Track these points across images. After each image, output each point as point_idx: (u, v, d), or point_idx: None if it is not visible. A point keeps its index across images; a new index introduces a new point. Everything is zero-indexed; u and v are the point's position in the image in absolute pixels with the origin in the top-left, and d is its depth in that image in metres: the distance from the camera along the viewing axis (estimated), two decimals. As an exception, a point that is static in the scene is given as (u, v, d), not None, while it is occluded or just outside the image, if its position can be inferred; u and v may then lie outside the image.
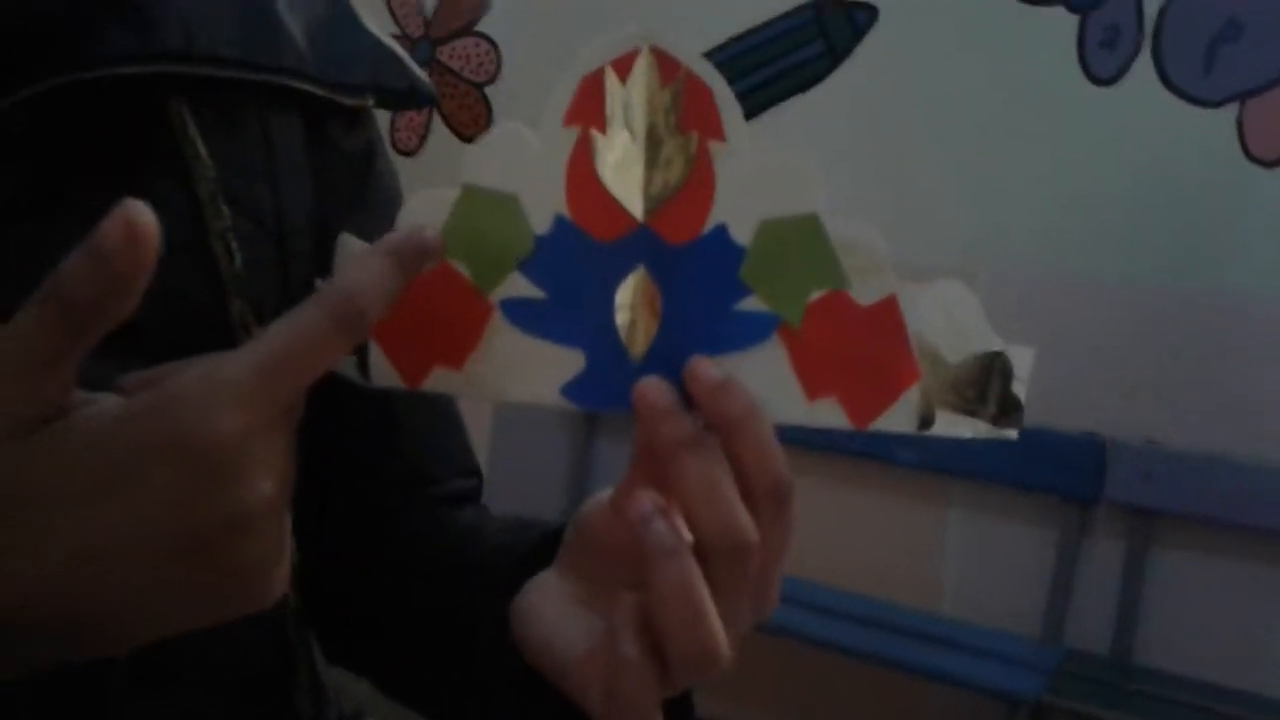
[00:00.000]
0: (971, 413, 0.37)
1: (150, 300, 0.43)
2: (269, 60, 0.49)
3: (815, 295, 0.36)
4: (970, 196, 2.13)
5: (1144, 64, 1.93)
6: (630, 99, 0.36)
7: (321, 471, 0.51)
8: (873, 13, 2.16)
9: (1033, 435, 1.56)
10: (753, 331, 0.36)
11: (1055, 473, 2.04)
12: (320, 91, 0.51)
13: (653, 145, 0.36)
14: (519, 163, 0.37)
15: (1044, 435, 2.03)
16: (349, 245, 0.40)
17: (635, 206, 0.36)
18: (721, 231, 0.36)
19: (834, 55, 2.20)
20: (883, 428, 0.37)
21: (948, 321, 0.38)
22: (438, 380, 0.37)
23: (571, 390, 0.36)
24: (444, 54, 2.73)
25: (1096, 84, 1.97)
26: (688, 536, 0.34)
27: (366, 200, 0.55)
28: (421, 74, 0.58)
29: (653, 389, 0.34)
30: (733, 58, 2.30)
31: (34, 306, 0.29)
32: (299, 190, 0.51)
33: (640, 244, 0.36)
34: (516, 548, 0.47)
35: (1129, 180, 1.99)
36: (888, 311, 0.36)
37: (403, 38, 2.77)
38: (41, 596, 0.31)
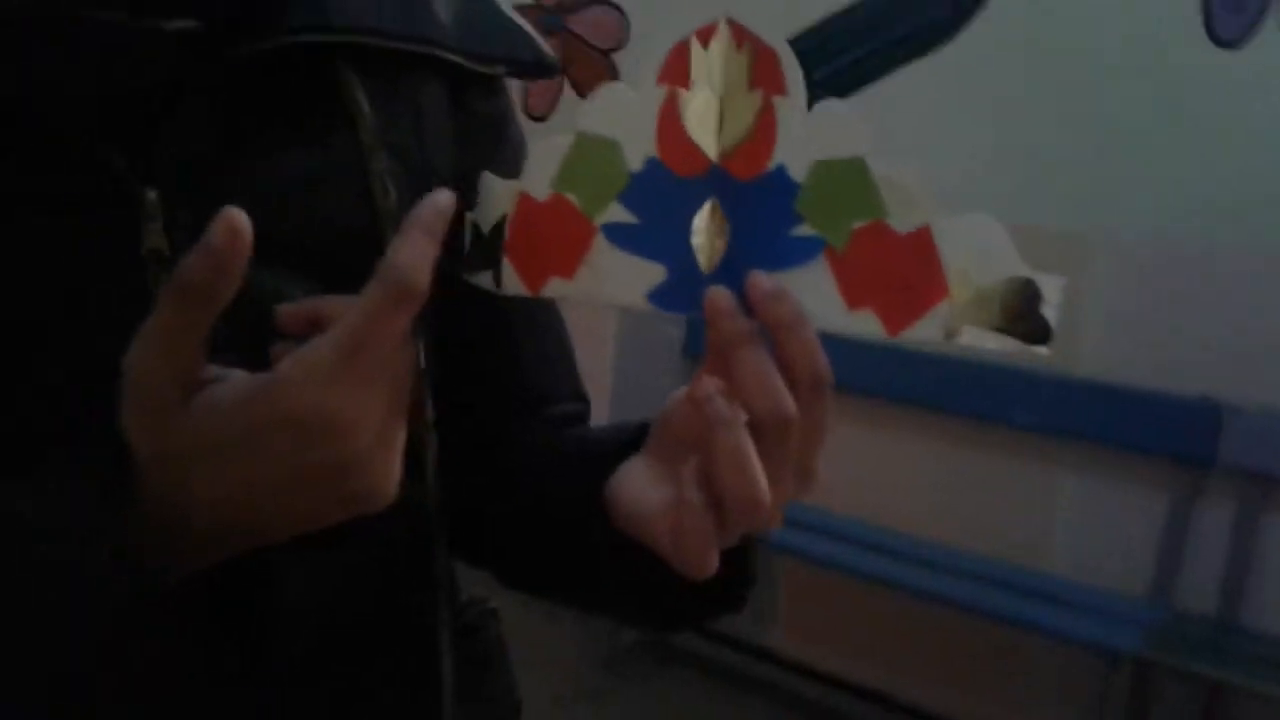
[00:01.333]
0: (1001, 330, 0.44)
1: (319, 227, 0.53)
2: (421, 34, 0.59)
3: (859, 224, 0.43)
4: (1091, 159, 2.13)
5: (1271, 28, 1.91)
6: (711, 61, 0.44)
7: (460, 395, 0.62)
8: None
9: (1148, 398, 1.61)
10: (803, 253, 0.44)
11: (1170, 436, 2.05)
12: (462, 62, 0.61)
13: (728, 98, 0.44)
14: (620, 114, 0.46)
15: (1159, 398, 2.05)
16: (490, 183, 0.50)
17: (711, 149, 0.44)
18: (781, 170, 0.44)
19: (959, 17, 2.22)
20: (913, 338, 0.44)
21: (977, 250, 0.44)
22: (553, 287, 0.46)
23: (655, 296, 0.45)
24: (573, 22, 2.84)
25: (1221, 46, 1.95)
26: (743, 416, 0.43)
27: (500, 156, 0.65)
28: (547, 48, 0.67)
29: (719, 295, 0.42)
30: (858, 21, 2.34)
31: (164, 295, 0.39)
32: (442, 144, 0.61)
33: (714, 180, 0.44)
34: (613, 440, 0.56)
35: (1251, 146, 1.97)
36: (922, 239, 0.43)
37: (535, 6, 2.88)
38: (202, 516, 0.42)
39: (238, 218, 0.39)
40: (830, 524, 2.37)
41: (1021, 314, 0.44)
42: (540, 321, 0.68)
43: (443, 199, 0.42)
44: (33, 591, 0.42)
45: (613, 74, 2.78)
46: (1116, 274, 2.12)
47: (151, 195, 0.48)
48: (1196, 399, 2.03)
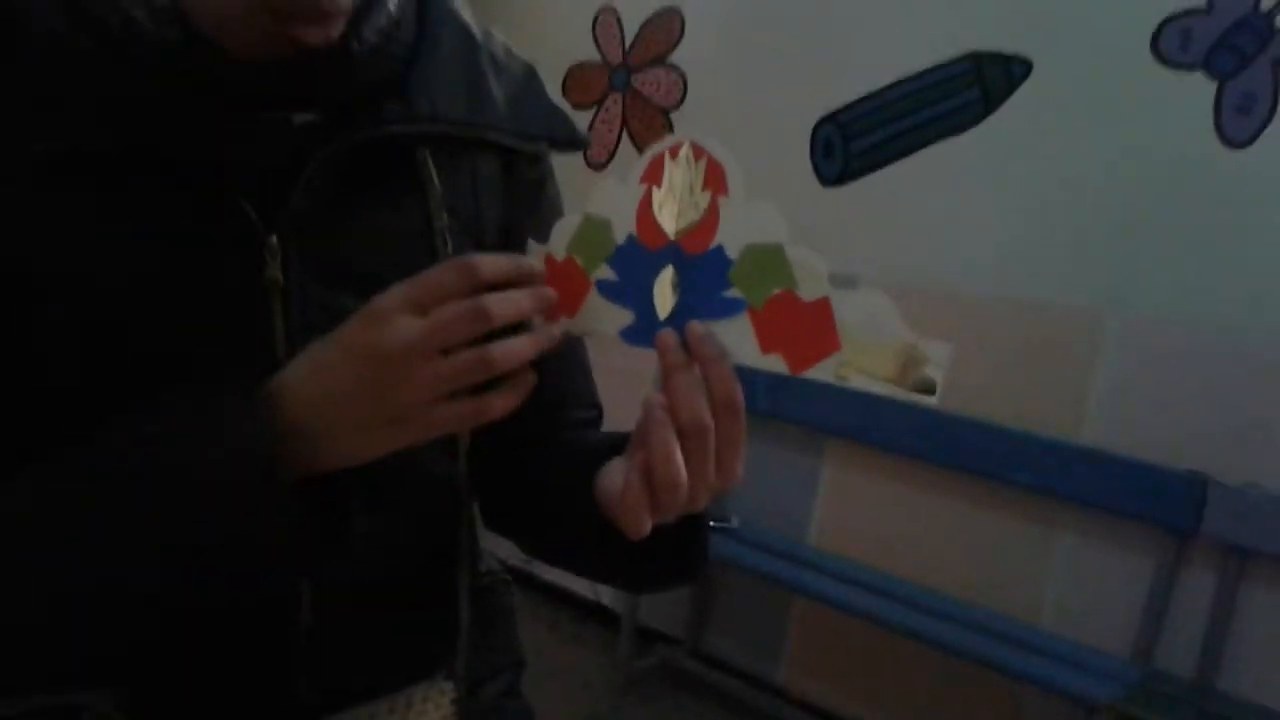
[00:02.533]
0: (889, 381, 0.60)
1: (392, 269, 0.69)
2: (480, 120, 0.77)
3: (774, 291, 0.60)
4: (1107, 245, 2.28)
5: (1276, 128, 2.05)
6: (676, 169, 0.62)
7: None
8: (1028, 67, 2.33)
9: (1139, 469, 1.77)
10: (732, 309, 0.61)
11: (1158, 505, 2.17)
12: (512, 142, 0.79)
13: (685, 196, 0.62)
14: (613, 202, 0.64)
15: (1150, 470, 2.18)
16: (533, 249, 0.67)
17: (671, 231, 0.62)
18: (720, 249, 0.61)
19: (987, 103, 2.38)
20: (812, 376, 0.60)
21: (866, 317, 0.61)
22: (563, 323, 0.64)
23: (625, 334, 0.62)
24: (638, 81, 3.03)
25: (1230, 147, 2.09)
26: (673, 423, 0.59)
27: (539, 212, 0.83)
28: (581, 128, 0.86)
29: (666, 335, 0.60)
30: (895, 99, 2.51)
31: (449, 262, 0.58)
32: (493, 206, 0.79)
33: (672, 253, 0.62)
34: (606, 443, 0.74)
35: (1251, 242, 2.10)
36: (821, 306, 0.60)
37: (603, 64, 3.09)
38: (299, 425, 0.59)
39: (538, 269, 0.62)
40: (840, 568, 2.52)
41: (906, 370, 0.60)
42: (563, 347, 0.85)
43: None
44: (189, 477, 0.58)
45: (669, 129, 2.95)
46: (1122, 351, 2.26)
47: (273, 239, 0.67)
48: (1185, 472, 2.15)
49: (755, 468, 2.62)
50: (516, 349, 0.59)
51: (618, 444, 0.71)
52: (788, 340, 0.60)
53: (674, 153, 0.63)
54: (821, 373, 0.59)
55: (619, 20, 3.07)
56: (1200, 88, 2.13)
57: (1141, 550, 2.21)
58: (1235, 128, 2.08)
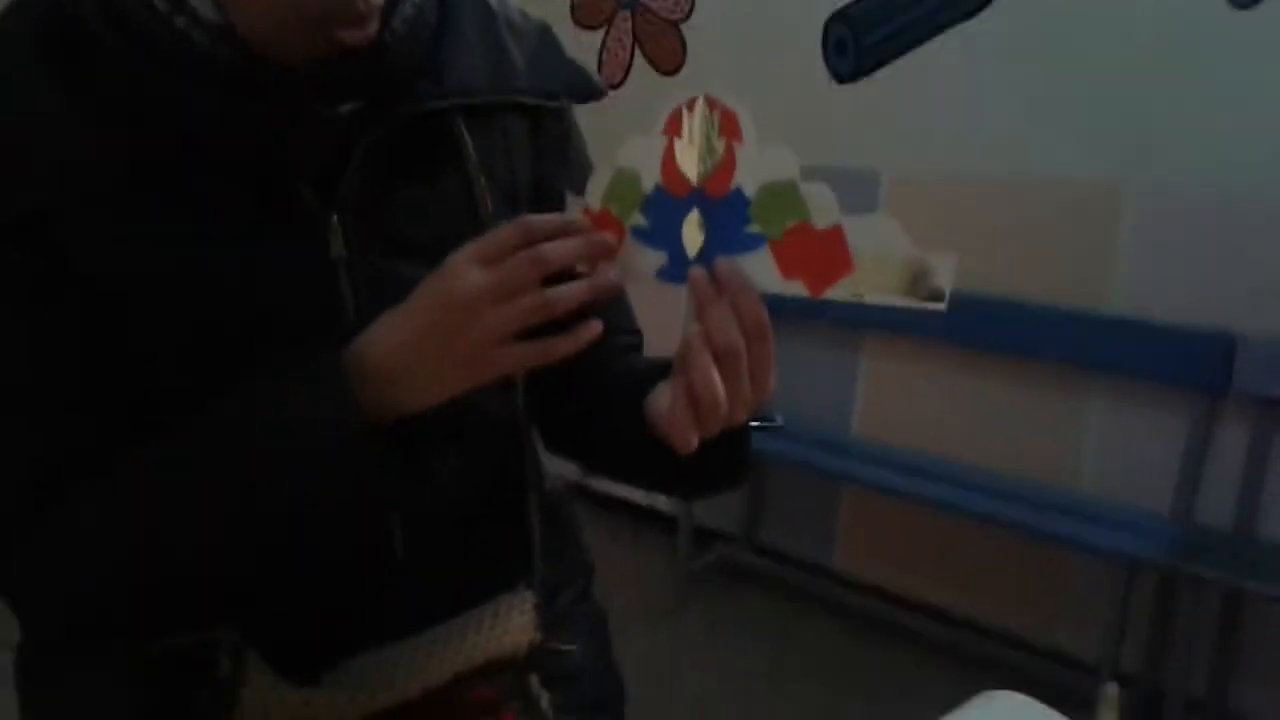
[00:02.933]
0: (902, 293, 0.67)
1: (441, 231, 0.77)
2: (505, 86, 0.84)
3: (790, 223, 0.68)
4: (1121, 117, 2.30)
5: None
6: (694, 121, 0.69)
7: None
8: (1031, -55, 2.34)
9: (1167, 331, 1.83)
10: (753, 243, 0.68)
11: (1188, 366, 2.23)
12: (535, 101, 0.86)
13: (704, 145, 0.69)
14: (640, 155, 0.71)
15: (1177, 331, 2.24)
16: (572, 202, 0.74)
17: (693, 178, 0.69)
18: (739, 190, 0.68)
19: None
20: (830, 297, 0.67)
21: (875, 238, 0.68)
22: (608, 268, 0.71)
23: (660, 273, 0.70)
24: (645, -4, 3.06)
25: (1237, 7, 2.10)
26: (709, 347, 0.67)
27: (566, 163, 0.90)
28: (598, 78, 0.92)
29: (696, 271, 0.67)
30: (901, -9, 2.53)
31: (511, 223, 0.66)
32: (524, 163, 0.87)
33: (696, 198, 0.69)
34: (652, 367, 0.82)
35: (1264, 102, 2.12)
36: (834, 233, 0.67)
37: (609, -18, 3.11)
38: (382, 372, 0.68)
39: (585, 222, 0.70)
40: (884, 454, 2.62)
41: (915, 282, 0.67)
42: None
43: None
44: (284, 436, 0.67)
45: (681, 42, 2.98)
46: (1141, 219, 2.30)
47: (334, 219, 0.75)
48: (1212, 331, 2.21)
49: (796, 367, 2.72)
50: (573, 291, 0.67)
51: (663, 369, 0.79)
52: (806, 266, 0.67)
53: (690, 106, 0.70)
54: (839, 292, 0.66)
55: (621, -64, 3.08)
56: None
57: (1175, 410, 2.28)
58: (1241, -13, 2.09)
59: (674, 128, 0.70)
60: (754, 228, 0.68)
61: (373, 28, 0.73)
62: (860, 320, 2.72)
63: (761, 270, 0.68)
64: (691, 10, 2.95)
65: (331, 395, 0.67)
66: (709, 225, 0.69)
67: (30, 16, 0.73)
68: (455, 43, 0.82)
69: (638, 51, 3.09)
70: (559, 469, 0.99)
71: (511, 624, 0.88)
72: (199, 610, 0.75)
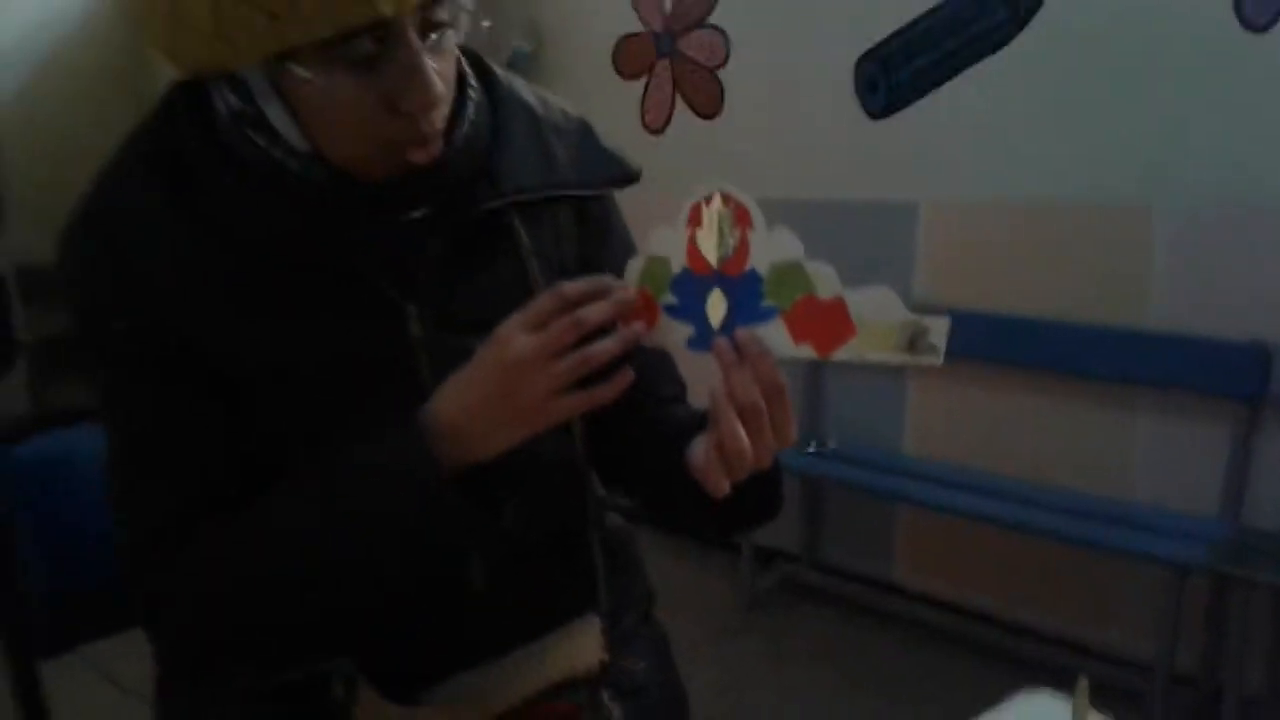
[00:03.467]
0: (898, 352, 0.76)
1: (499, 310, 0.90)
2: (552, 182, 0.97)
3: (798, 296, 0.79)
4: (1145, 141, 2.39)
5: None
6: (711, 214, 0.81)
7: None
8: (1049, -22, 2.44)
9: (1205, 343, 1.92)
10: (768, 314, 0.80)
11: (1226, 376, 2.31)
12: (579, 193, 0.99)
13: (720, 232, 0.81)
14: (667, 244, 0.83)
15: (1215, 343, 2.31)
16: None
17: (713, 261, 0.81)
18: (753, 270, 0.80)
19: (1016, 21, 2.49)
20: (836, 359, 0.78)
21: (875, 305, 0.77)
22: (648, 336, 0.84)
23: (689, 343, 0.82)
24: (682, 44, 3.18)
25: (1251, 31, 2.19)
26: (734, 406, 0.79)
27: (609, 243, 1.03)
28: (634, 164, 1.04)
29: (720, 342, 0.79)
30: (929, 28, 2.63)
31: (547, 293, 0.78)
32: (570, 245, 0.99)
33: (717, 278, 0.81)
34: (692, 419, 0.94)
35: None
36: (837, 303, 0.78)
37: (647, 32, 3.25)
38: (458, 424, 0.80)
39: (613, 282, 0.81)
40: (936, 472, 2.71)
41: (913, 343, 0.77)
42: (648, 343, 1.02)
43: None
44: (371, 493, 0.79)
45: (719, 87, 3.11)
46: (1174, 239, 2.38)
47: (411, 307, 0.89)
48: (1248, 343, 2.28)
49: (847, 392, 2.82)
50: (607, 347, 0.79)
51: (703, 419, 0.91)
52: (814, 333, 0.78)
53: (708, 200, 0.82)
54: (844, 354, 0.76)
55: (658, -12, 3.22)
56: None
57: (1217, 419, 2.35)
58: (1255, 13, 2.17)
59: (695, 219, 0.82)
60: (767, 302, 0.79)
61: (437, 147, 0.85)
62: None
63: (776, 338, 0.79)
64: (728, 57, 3.08)
65: (411, 453, 0.80)
66: (729, 301, 0.81)
67: (137, 150, 0.89)
68: (507, 148, 0.95)
69: (678, 97, 3.22)
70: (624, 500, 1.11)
71: (581, 646, 1.00)
72: (313, 640, 0.87)
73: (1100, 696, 0.91)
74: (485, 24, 0.96)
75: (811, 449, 2.88)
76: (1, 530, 1.06)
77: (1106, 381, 2.51)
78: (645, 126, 3.29)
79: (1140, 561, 2.32)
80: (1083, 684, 0.86)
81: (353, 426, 0.84)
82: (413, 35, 0.79)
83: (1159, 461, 2.47)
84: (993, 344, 2.64)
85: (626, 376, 0.81)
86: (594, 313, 0.79)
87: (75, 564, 1.10)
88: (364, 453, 0.82)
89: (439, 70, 0.81)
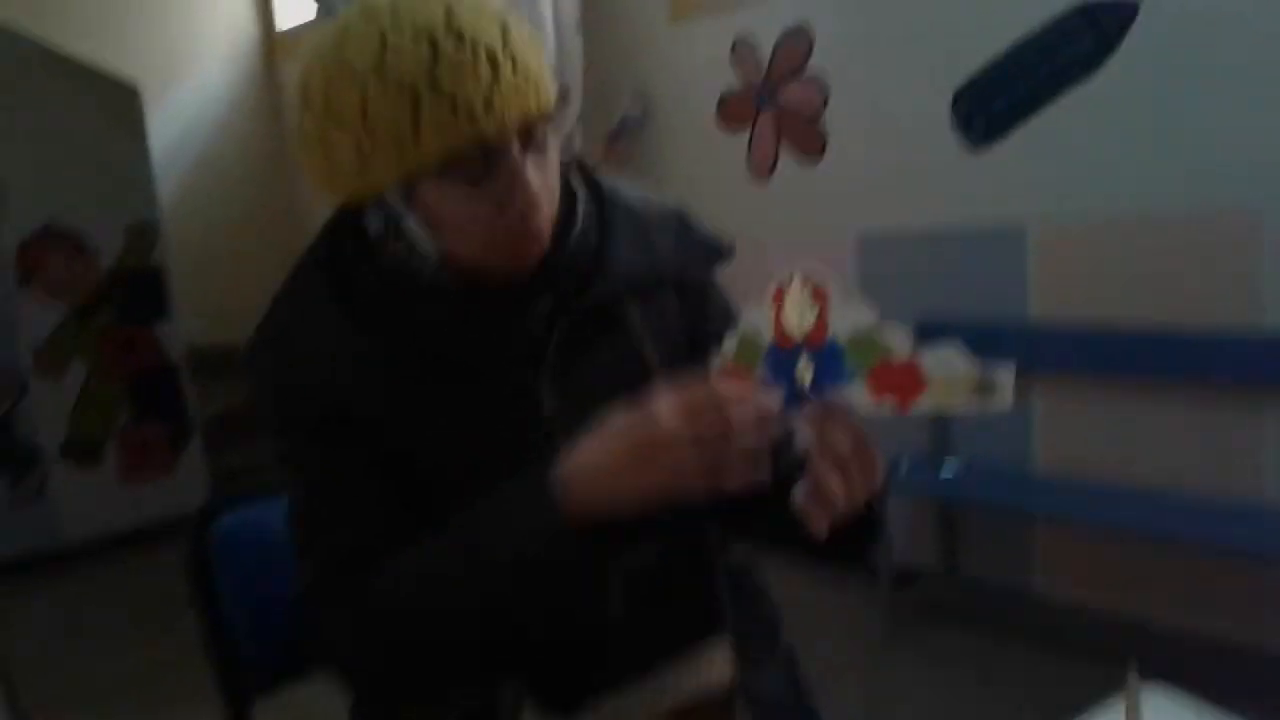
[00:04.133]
0: (968, 402, 0.86)
1: (618, 386, 1.04)
2: (656, 272, 1.11)
3: (875, 360, 0.91)
4: (1240, 145, 2.42)
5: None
6: (793, 293, 0.94)
7: None
8: (1134, 7, 2.50)
9: None
10: (848, 377, 0.92)
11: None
12: (680, 276, 1.13)
13: (800, 309, 0.93)
14: (756, 320, 0.96)
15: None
16: (715, 359, 1.00)
17: (797, 335, 0.93)
18: (834, 340, 0.92)
19: (1103, 47, 2.55)
20: (914, 412, 0.89)
21: (944, 363, 0.88)
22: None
23: (782, 404, 0.95)
24: (782, 95, 3.31)
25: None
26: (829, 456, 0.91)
27: (708, 313, 1.16)
28: (728, 241, 1.17)
29: (812, 404, 0.91)
30: (1019, 59, 2.71)
31: (711, 422, 0.86)
32: (676, 323, 1.13)
33: (801, 348, 0.94)
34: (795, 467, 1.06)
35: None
36: (910, 363, 0.89)
37: (748, 88, 3.39)
38: (593, 487, 0.90)
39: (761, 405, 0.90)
40: (1066, 484, 2.76)
41: (981, 392, 0.86)
42: None
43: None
44: (502, 542, 0.92)
45: (822, 135, 3.23)
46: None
47: (543, 386, 1.03)
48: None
49: (972, 415, 2.86)
50: (746, 440, 0.88)
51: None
52: (892, 390, 0.89)
53: (788, 282, 0.94)
54: (920, 407, 0.86)
55: (753, 47, 3.36)
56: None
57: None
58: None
59: (778, 298, 0.95)
60: (848, 366, 0.92)
61: (541, 246, 0.99)
62: (1026, 364, 2.84)
63: (858, 397, 0.91)
64: (826, 102, 3.20)
65: (543, 507, 0.91)
66: (815, 368, 0.93)
67: (306, 270, 1.06)
68: (614, 244, 1.09)
69: (782, 144, 3.34)
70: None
71: (713, 667, 1.13)
72: (468, 670, 1.00)
73: (1245, 696, 0.93)
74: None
75: (944, 472, 2.94)
76: (211, 588, 1.23)
77: (1227, 385, 2.53)
78: (752, 174, 3.42)
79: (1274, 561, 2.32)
80: (1133, 682, 0.94)
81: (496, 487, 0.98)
82: (514, 149, 0.94)
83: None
84: (1111, 357, 2.69)
85: (762, 469, 0.89)
86: (742, 418, 0.88)
87: (267, 613, 1.26)
88: (502, 502, 0.95)
89: (540, 175, 0.96)
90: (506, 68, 0.93)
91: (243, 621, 1.25)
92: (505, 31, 0.96)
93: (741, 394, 0.91)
